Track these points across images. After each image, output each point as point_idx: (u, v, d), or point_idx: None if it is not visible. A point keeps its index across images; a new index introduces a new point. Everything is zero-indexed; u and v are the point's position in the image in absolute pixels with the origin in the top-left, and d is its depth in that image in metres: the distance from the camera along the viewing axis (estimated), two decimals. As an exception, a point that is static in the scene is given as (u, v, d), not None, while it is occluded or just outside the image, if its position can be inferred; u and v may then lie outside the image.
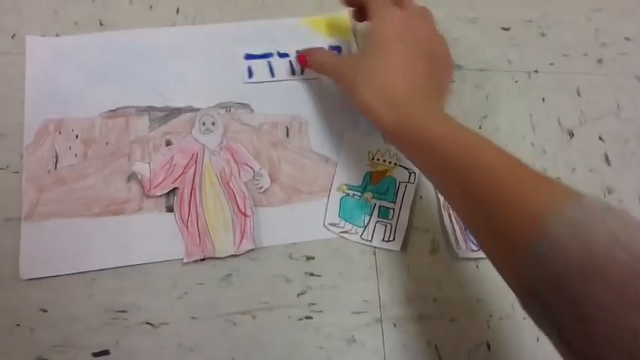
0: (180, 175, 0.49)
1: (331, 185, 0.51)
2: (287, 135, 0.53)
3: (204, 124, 0.51)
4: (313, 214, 0.50)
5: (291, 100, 0.54)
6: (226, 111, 0.53)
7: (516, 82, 0.59)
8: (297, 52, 0.54)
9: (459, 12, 0.62)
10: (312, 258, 0.49)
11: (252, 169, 0.50)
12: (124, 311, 0.45)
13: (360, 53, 0.53)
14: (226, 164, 0.50)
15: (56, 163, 0.49)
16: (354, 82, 0.46)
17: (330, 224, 0.50)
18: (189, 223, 0.48)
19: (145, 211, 0.48)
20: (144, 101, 0.52)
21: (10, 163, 0.49)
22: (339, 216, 0.50)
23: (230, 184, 0.49)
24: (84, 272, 0.46)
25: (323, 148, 0.53)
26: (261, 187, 0.50)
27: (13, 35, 0.54)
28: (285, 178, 0.51)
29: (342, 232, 0.50)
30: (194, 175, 0.49)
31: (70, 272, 0.46)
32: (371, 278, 0.49)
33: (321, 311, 0.47)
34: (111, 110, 0.52)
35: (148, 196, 0.48)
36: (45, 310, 0.45)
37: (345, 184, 0.51)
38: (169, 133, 0.51)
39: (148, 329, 0.45)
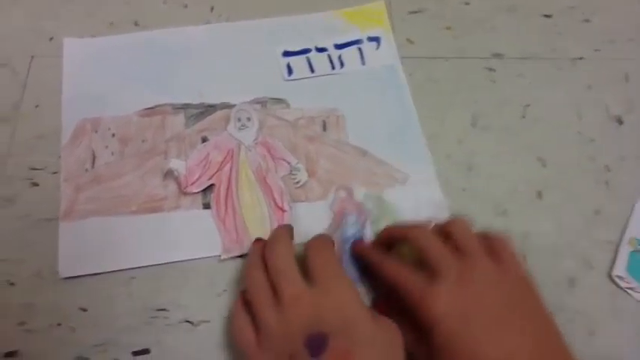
0: (217, 172, 0.49)
1: (623, 235, 0.48)
2: (324, 129, 0.52)
3: (239, 119, 0.50)
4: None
5: (328, 93, 0.53)
6: (262, 106, 0.52)
7: (560, 69, 0.57)
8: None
9: (497, 1, 0.60)
10: (353, 253, 0.47)
11: (289, 163, 0.50)
12: (164, 309, 0.45)
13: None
14: (262, 159, 0.49)
15: (93, 161, 0.49)
16: None
17: (617, 276, 0.47)
18: (226, 220, 0.47)
19: (182, 209, 0.48)
20: (179, 99, 0.52)
21: (48, 163, 0.49)
22: (626, 270, 0.47)
23: (267, 179, 0.49)
24: (123, 270, 0.46)
25: (361, 141, 0.51)
26: (298, 182, 0.49)
27: (51, 38, 0.55)
28: (323, 172, 0.50)
29: (627, 288, 0.46)
30: (230, 171, 0.49)
31: (108, 270, 0.45)
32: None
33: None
34: (147, 108, 0.51)
35: (185, 194, 0.48)
36: (85, 310, 0.44)
37: (637, 239, 0.48)
38: (205, 129, 0.51)
39: (187, 327, 0.44)
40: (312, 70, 0.54)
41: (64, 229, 0.46)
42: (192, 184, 0.48)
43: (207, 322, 0.45)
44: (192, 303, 0.45)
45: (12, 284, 0.45)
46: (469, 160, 0.52)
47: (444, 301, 0.37)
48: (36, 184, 0.48)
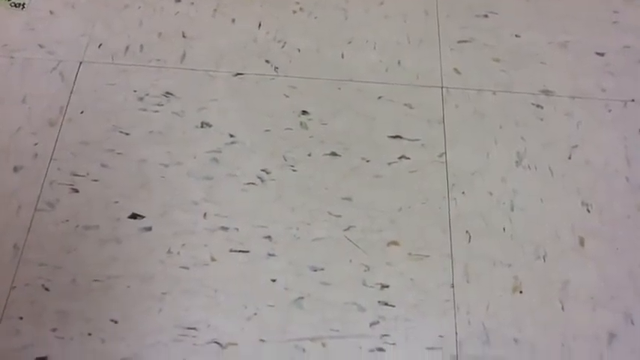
0: None
1: None
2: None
3: None
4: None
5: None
6: None
7: (610, 111, 0.55)
8: None
9: (550, 35, 0.59)
10: (387, 287, 0.47)
11: None
12: (194, 328, 0.45)
13: None
14: None
15: None
16: None
17: None
18: None
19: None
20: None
21: (90, 170, 0.49)
22: None
23: None
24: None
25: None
26: None
27: (100, 45, 0.55)
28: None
29: None
30: None
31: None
32: (448, 313, 0.46)
33: (394, 344, 0.45)
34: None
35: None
36: (116, 322, 0.45)
37: None
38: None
39: (215, 349, 0.44)
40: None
41: None
42: None
43: (235, 344, 0.44)
44: (222, 324, 0.45)
45: (47, 289, 0.45)
46: (511, 199, 0.50)
47: None
48: (76, 191, 0.49)
